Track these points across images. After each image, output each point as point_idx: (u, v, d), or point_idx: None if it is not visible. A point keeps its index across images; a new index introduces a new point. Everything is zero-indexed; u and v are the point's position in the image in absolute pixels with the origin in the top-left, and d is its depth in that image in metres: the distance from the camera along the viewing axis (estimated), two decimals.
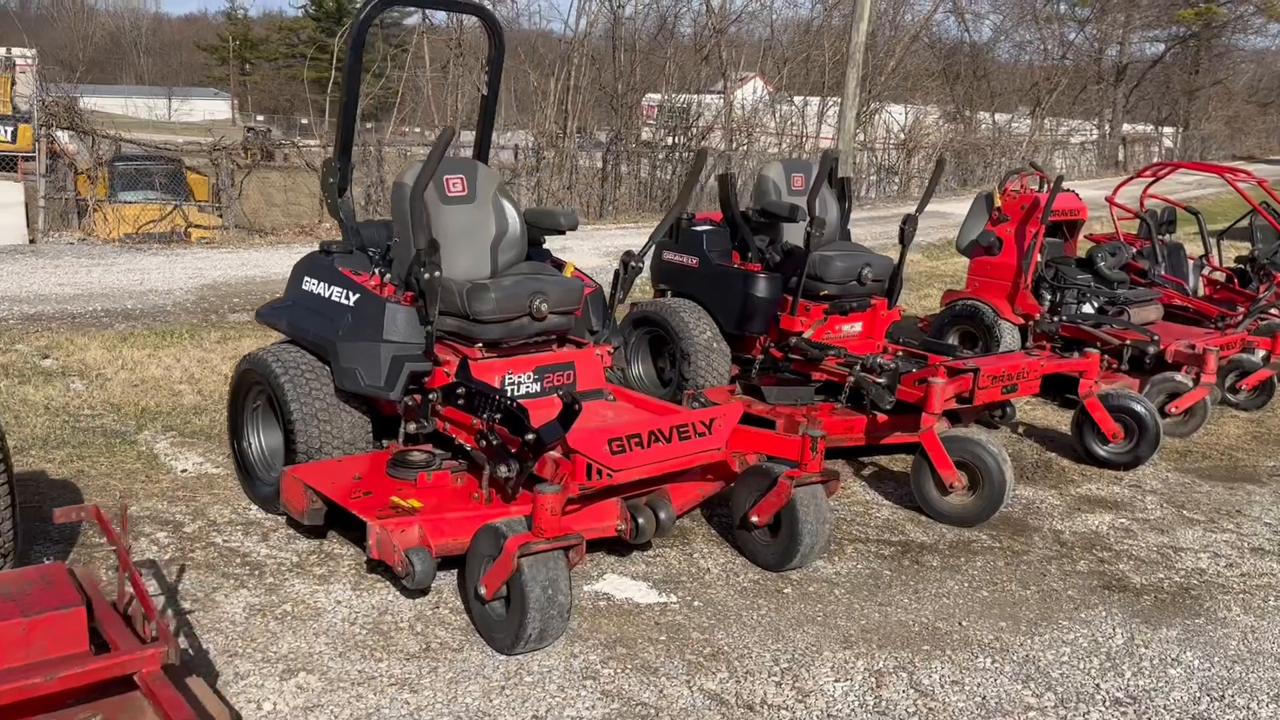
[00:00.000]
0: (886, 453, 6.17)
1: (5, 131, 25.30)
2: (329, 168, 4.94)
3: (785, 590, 4.42)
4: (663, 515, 4.39)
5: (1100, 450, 6.24)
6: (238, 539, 4.54)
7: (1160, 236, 9.75)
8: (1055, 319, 7.62)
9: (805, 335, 6.29)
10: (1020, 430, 6.94)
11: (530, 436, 3.97)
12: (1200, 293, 9.68)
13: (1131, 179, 10.25)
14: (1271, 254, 9.41)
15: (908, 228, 6.61)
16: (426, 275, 4.29)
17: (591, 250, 14.63)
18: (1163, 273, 9.12)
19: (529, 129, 25.17)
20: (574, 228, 5.23)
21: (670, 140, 26.29)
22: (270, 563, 4.34)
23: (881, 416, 5.73)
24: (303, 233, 16.94)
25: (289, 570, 4.28)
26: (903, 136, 34.28)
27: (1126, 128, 49.32)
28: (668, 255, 6.73)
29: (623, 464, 4.06)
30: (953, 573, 4.70)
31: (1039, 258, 7.95)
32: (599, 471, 4.01)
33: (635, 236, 15.93)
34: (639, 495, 4.46)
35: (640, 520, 4.34)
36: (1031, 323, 7.78)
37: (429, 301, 4.38)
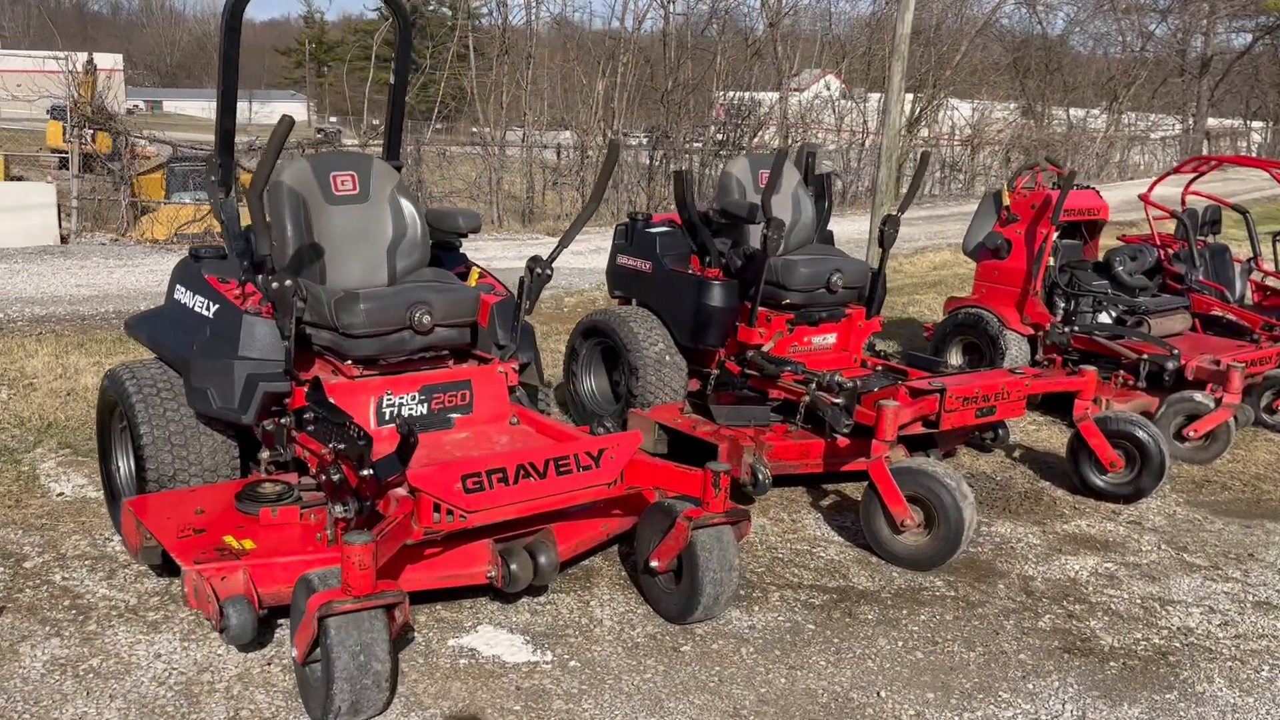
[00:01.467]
0: (855, 480, 5.54)
1: (86, 135, 25.63)
2: (210, 164, 4.48)
3: (683, 648, 3.84)
4: (543, 560, 3.84)
5: (1097, 480, 5.54)
6: (79, 576, 4.10)
7: (1202, 238, 8.94)
8: (1067, 329, 6.90)
9: (765, 348, 5.69)
10: (1016, 454, 6.25)
11: (366, 472, 3.45)
12: (1248, 300, 8.85)
13: (1167, 175, 9.42)
14: None
15: (888, 229, 5.97)
16: (275, 284, 3.79)
17: None
18: (1200, 278, 8.32)
19: (573, 128, 24.76)
20: (475, 229, 4.71)
21: (720, 137, 25.67)
22: (102, 606, 3.87)
23: (842, 440, 5.11)
24: None
25: (119, 615, 3.81)
26: (968, 131, 33.24)
27: (1212, 122, 47.43)
28: (621, 259, 6.17)
29: (480, 504, 3.52)
30: (889, 628, 4.08)
31: (1052, 262, 7.24)
32: (449, 512, 3.48)
33: None
34: (518, 536, 3.92)
35: (514, 566, 3.79)
36: (1041, 333, 7.07)
37: (280, 314, 3.88)
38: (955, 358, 7.49)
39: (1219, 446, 6.15)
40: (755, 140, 26.14)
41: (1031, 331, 7.12)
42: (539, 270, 4.42)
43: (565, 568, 4.30)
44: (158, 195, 19.16)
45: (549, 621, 3.96)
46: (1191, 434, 6.10)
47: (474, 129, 25.31)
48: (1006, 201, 7.34)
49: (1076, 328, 6.92)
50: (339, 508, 3.55)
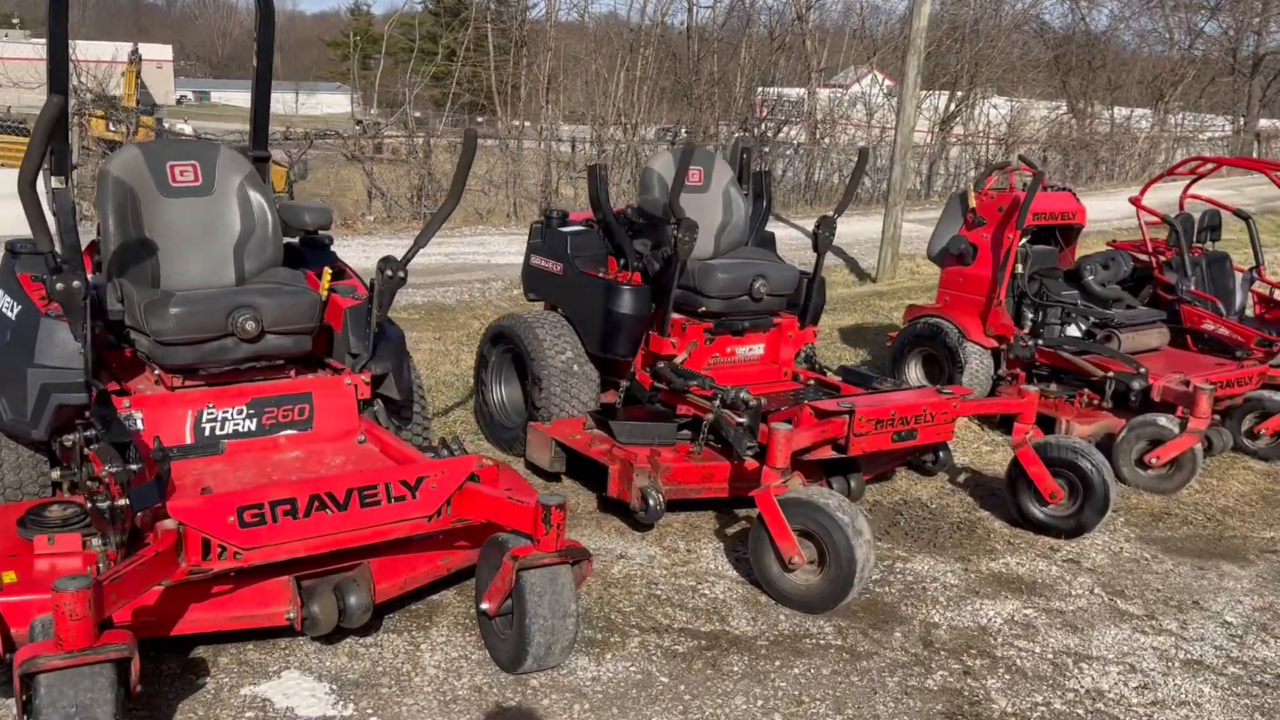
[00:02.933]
0: None
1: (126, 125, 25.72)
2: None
3: (510, 702, 3.41)
4: (352, 601, 3.43)
5: (1037, 512, 5.04)
6: None
7: (1199, 245, 8.35)
8: (1031, 342, 6.38)
9: (678, 360, 5.24)
10: (960, 479, 5.74)
11: (121, 502, 3.05)
12: (1249, 312, 8.25)
13: (1162, 177, 8.82)
14: None
15: (823, 232, 5.51)
16: (60, 284, 3.41)
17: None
18: (1192, 288, 7.74)
19: (589, 122, 24.35)
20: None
21: (741, 132, 25.14)
22: None
23: (750, 463, 4.64)
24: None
25: None
26: (1004, 129, 32.43)
27: (1264, 123, 46.07)
28: (534, 259, 5.74)
29: (258, 540, 3.11)
30: (753, 683, 3.62)
31: (1020, 269, 6.71)
32: (221, 550, 3.07)
33: None
34: (332, 571, 3.51)
35: (315, 608, 3.38)
36: (1005, 346, 6.55)
37: (71, 317, 3.50)
38: (914, 370, 7.00)
39: (1184, 476, 5.61)
40: (780, 136, 25.61)
41: (995, 344, 6.61)
42: (390, 272, 4.01)
43: (405, 602, 3.90)
44: None
45: (366, 667, 3.54)
46: (1154, 461, 5.57)
47: (480, 119, 24.98)
48: (972, 204, 6.81)
49: (1041, 341, 6.40)
50: (95, 540, 3.16)
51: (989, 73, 31.65)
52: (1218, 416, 6.40)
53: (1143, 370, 5.89)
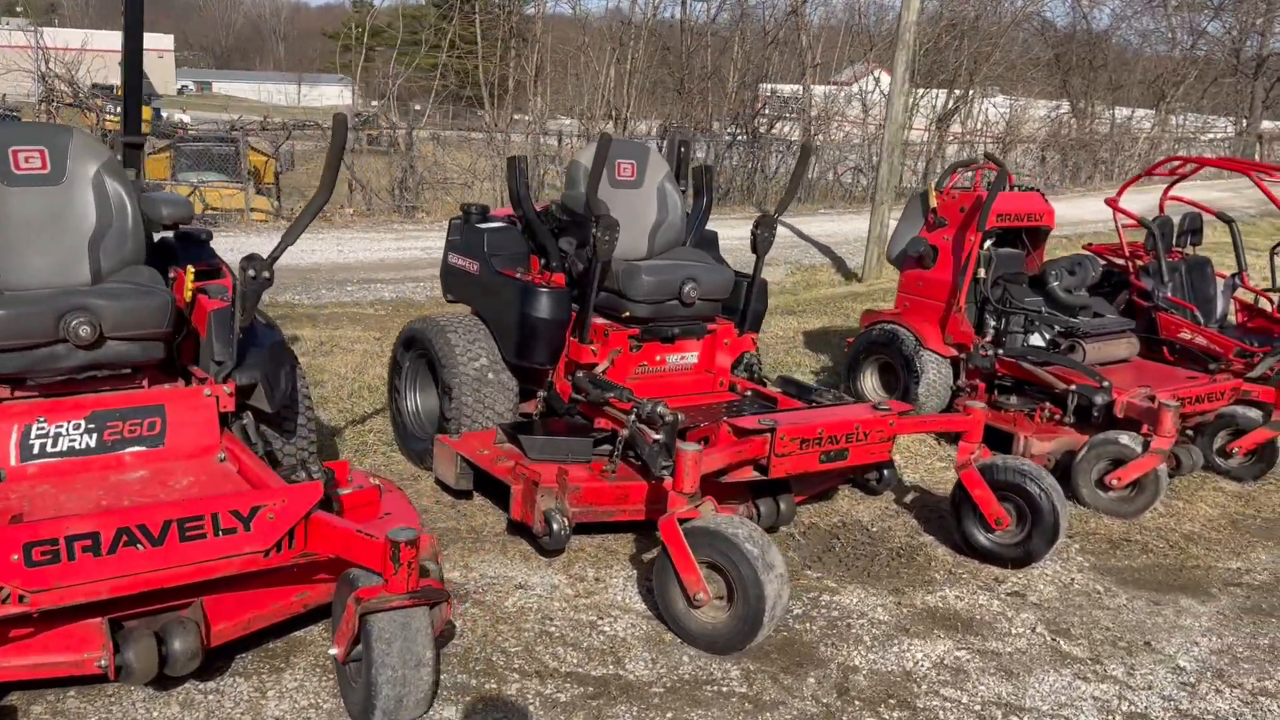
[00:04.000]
0: None
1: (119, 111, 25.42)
2: None
3: None
4: (177, 646, 3.03)
5: (982, 539, 4.65)
6: None
7: (1179, 249, 7.95)
8: (990, 352, 5.98)
9: (599, 368, 4.84)
10: (908, 499, 5.35)
11: None
12: (1231, 320, 7.85)
13: (1138, 178, 8.41)
14: None
15: (761, 232, 5.11)
16: None
17: None
18: (1169, 295, 7.34)
19: (574, 115, 23.97)
20: (183, 220, 3.92)
21: (730, 129, 24.68)
22: None
23: (668, 483, 4.24)
24: (320, 218, 16.14)
25: None
26: (1002, 127, 31.99)
27: (1267, 124, 45.57)
28: (452, 258, 5.35)
29: (50, 580, 2.72)
30: None
31: (983, 274, 6.31)
32: (3, 594, 2.68)
33: None
34: (156, 611, 3.11)
35: (129, 655, 2.99)
36: (964, 355, 6.16)
37: None
38: (870, 380, 6.60)
39: (1146, 498, 5.22)
40: (773, 131, 25.20)
41: (955, 352, 6.21)
42: (253, 272, 3.60)
43: (263, 639, 3.51)
44: (163, 175, 18.86)
45: (200, 717, 3.15)
46: (1114, 482, 5.17)
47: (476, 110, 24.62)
48: (933, 203, 6.41)
49: (1001, 350, 6.00)
50: None
51: (988, 70, 31.22)
52: (1190, 433, 6.02)
53: (1106, 384, 5.49)
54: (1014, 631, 4.06)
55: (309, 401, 4.32)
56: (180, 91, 64.30)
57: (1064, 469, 5.47)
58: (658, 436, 4.26)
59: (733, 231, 15.88)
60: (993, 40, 31.01)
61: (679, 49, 25.61)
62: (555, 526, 4.16)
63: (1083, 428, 5.65)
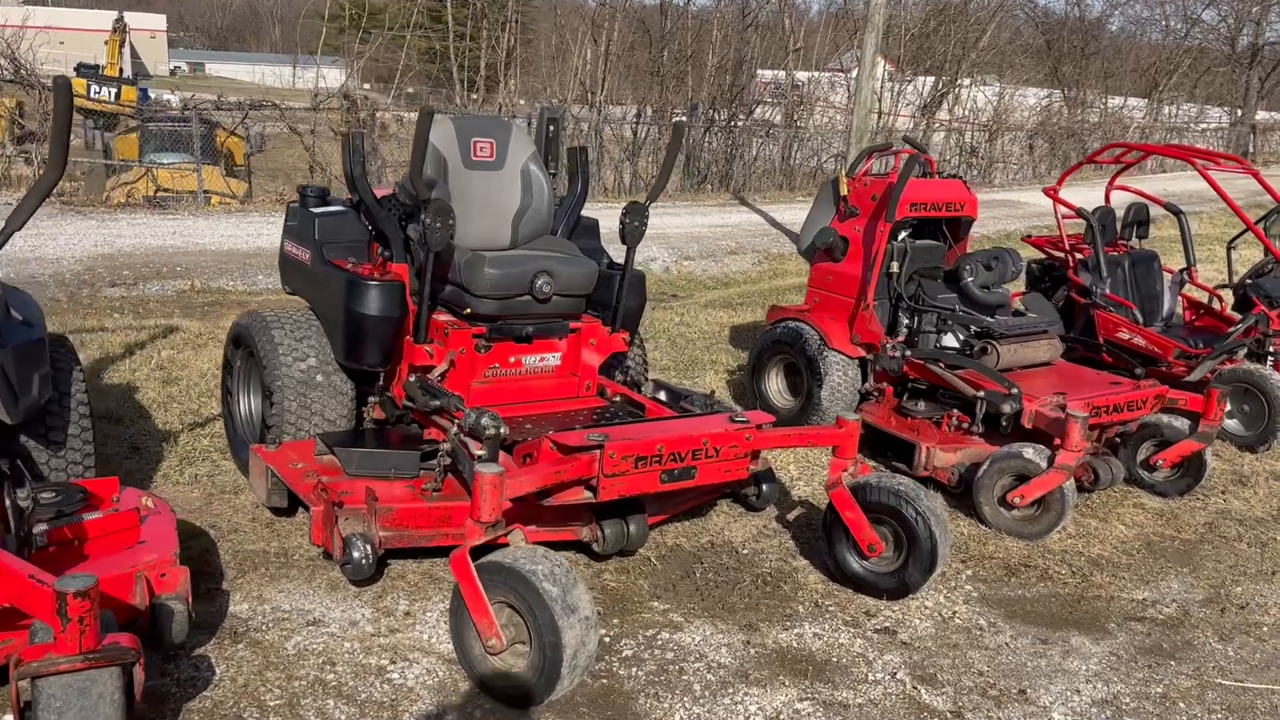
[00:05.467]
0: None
1: (109, 92, 24.95)
2: None
3: None
4: None
5: (855, 566, 4.16)
6: None
7: (1124, 242, 7.47)
8: (898, 354, 5.49)
9: (436, 371, 4.34)
10: (791, 516, 4.87)
11: None
12: (1178, 318, 7.37)
13: (1080, 165, 7.92)
14: (1253, 274, 7.03)
15: (631, 221, 4.62)
16: None
17: None
18: (1108, 292, 6.86)
19: (546, 99, 23.40)
20: None
21: (713, 114, 24.09)
22: None
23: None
24: (282, 200, 15.63)
25: None
26: (988, 115, 31.42)
27: (1262, 115, 44.99)
28: (287, 245, 4.85)
29: None
30: None
31: (896, 268, 5.82)
32: None
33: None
34: None
35: None
36: (872, 356, 5.67)
37: None
38: (775, 382, 6.12)
39: (1052, 518, 4.73)
40: (754, 116, 24.66)
41: (863, 353, 5.72)
42: None
43: None
44: (133, 155, 18.43)
45: None
46: (1017, 501, 4.69)
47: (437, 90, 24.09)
48: (844, 191, 5.91)
49: (909, 352, 5.51)
50: None
51: (977, 56, 30.68)
52: (1118, 441, 5.53)
53: (1014, 390, 5.01)
54: (871, 678, 3.58)
55: (86, 409, 3.82)
56: (173, 72, 63.66)
57: (969, 484, 4.99)
58: (480, 452, 3.78)
59: (705, 219, 15.51)
60: (981, 26, 30.47)
61: (658, 30, 25.06)
62: (356, 554, 3.68)
63: (994, 438, 5.17)
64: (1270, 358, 6.23)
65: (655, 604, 3.97)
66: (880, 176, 5.92)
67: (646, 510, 4.22)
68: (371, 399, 4.50)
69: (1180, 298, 7.39)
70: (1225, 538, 4.95)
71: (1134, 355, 6.76)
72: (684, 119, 20.85)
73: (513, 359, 4.59)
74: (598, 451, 3.60)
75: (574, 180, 5.15)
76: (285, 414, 4.39)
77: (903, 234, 5.89)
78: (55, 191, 14.56)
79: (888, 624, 3.95)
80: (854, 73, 28.32)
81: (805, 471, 5.39)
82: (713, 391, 4.92)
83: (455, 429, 3.90)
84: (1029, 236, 7.58)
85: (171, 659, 3.30)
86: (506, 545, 3.41)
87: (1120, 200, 7.35)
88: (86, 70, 27.10)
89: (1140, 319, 6.92)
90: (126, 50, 33.61)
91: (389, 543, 3.84)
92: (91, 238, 10.86)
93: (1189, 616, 4.19)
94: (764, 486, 4.68)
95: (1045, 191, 7.27)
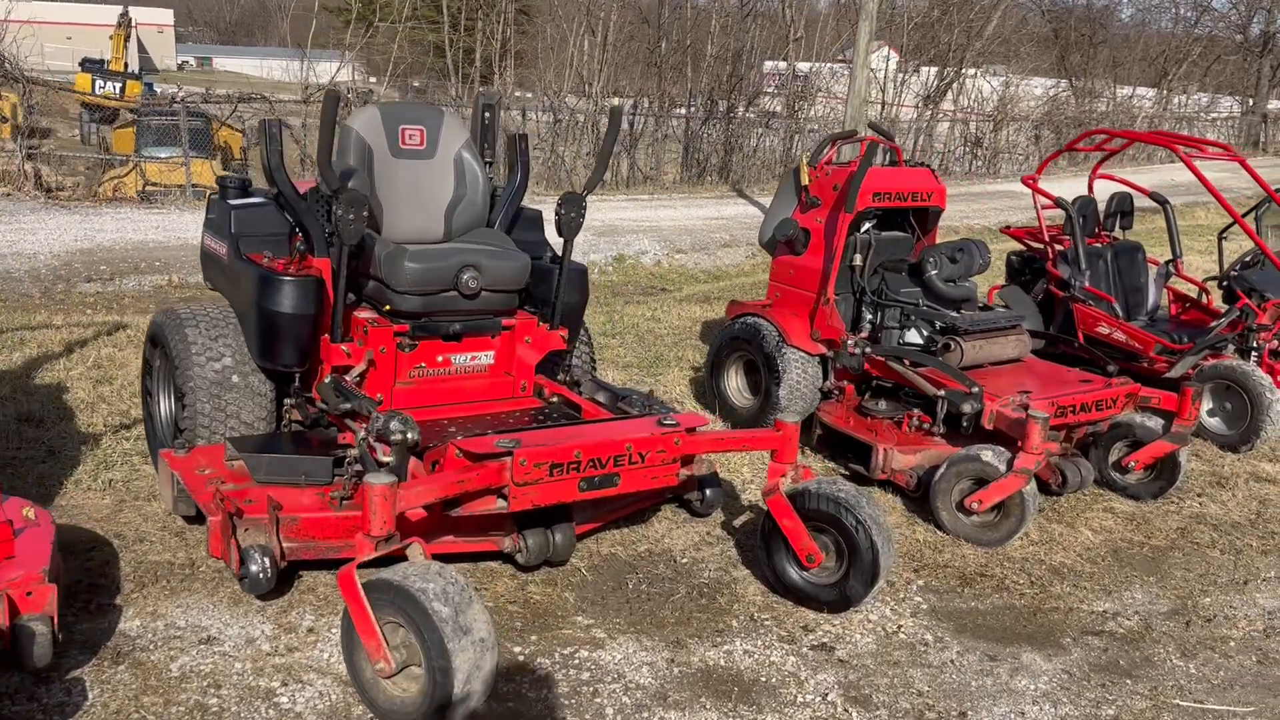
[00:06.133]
0: (470, 560, 3.98)
1: (114, 87, 24.88)
2: None
3: None
4: None
5: (795, 577, 3.93)
6: None
7: (1108, 233, 7.22)
8: (858, 351, 5.24)
9: (354, 372, 4.11)
10: (737, 523, 4.63)
11: None
12: (1164, 312, 7.12)
13: (1058, 155, 7.66)
14: (1239, 266, 6.76)
15: (567, 212, 4.38)
16: None
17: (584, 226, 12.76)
18: (1086, 284, 6.61)
19: (541, 90, 23.17)
20: None
21: (709, 105, 23.83)
22: None
23: (415, 514, 3.53)
24: None
25: None
26: (992, 105, 31.08)
27: (1274, 104, 44.48)
28: (206, 239, 4.62)
29: None
30: None
31: (859, 260, 5.57)
32: None
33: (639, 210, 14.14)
34: None
35: None
36: (833, 353, 5.43)
37: None
38: (735, 379, 5.88)
39: (1011, 525, 4.49)
40: (753, 107, 24.40)
41: (824, 350, 5.48)
42: None
43: None
44: (129, 149, 18.33)
45: None
46: (974, 506, 4.45)
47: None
48: (805, 180, 5.66)
49: (870, 348, 5.26)
50: None
51: (982, 45, 30.34)
52: (1090, 441, 5.27)
53: (976, 389, 4.76)
54: (800, 699, 3.35)
55: None
56: (180, 67, 63.64)
57: (929, 487, 4.75)
58: (386, 459, 3.55)
59: (700, 211, 15.23)
60: (985, 14, 30.13)
61: (655, 20, 24.82)
62: (254, 567, 3.46)
63: (955, 439, 4.93)
64: (1254, 353, 5.96)
65: (579, 619, 3.74)
66: (843, 165, 5.67)
67: (575, 518, 3.99)
68: (287, 401, 4.27)
69: (1166, 290, 7.13)
70: (1197, 544, 4.69)
71: (1114, 351, 6.51)
72: (621, 104, 20.43)
73: (441, 358, 4.36)
74: (508, 459, 3.37)
75: (514, 170, 4.91)
76: (199, 416, 4.17)
77: (866, 225, 5.64)
78: (43, 186, 14.39)
79: (826, 639, 3.71)
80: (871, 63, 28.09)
81: (759, 474, 5.14)
82: (650, 391, 4.69)
83: (363, 433, 3.67)
84: (1008, 227, 7.33)
85: (43, 682, 3.09)
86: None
87: (1108, 190, 7.10)
88: (91, 65, 27.02)
89: (1121, 313, 6.67)
90: (134, 45, 33.59)
91: (294, 554, 3.62)
92: (73, 232, 10.70)
93: (1151, 630, 3.94)
94: (708, 491, 4.46)
95: (1024, 180, 7.01)
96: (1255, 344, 5.95)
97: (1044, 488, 5.00)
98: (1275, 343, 6.19)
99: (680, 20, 25.47)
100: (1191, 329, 6.60)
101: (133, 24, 30.20)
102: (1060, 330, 6.79)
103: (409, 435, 3.55)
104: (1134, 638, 3.88)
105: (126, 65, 28.34)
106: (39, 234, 10.47)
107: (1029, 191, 6.94)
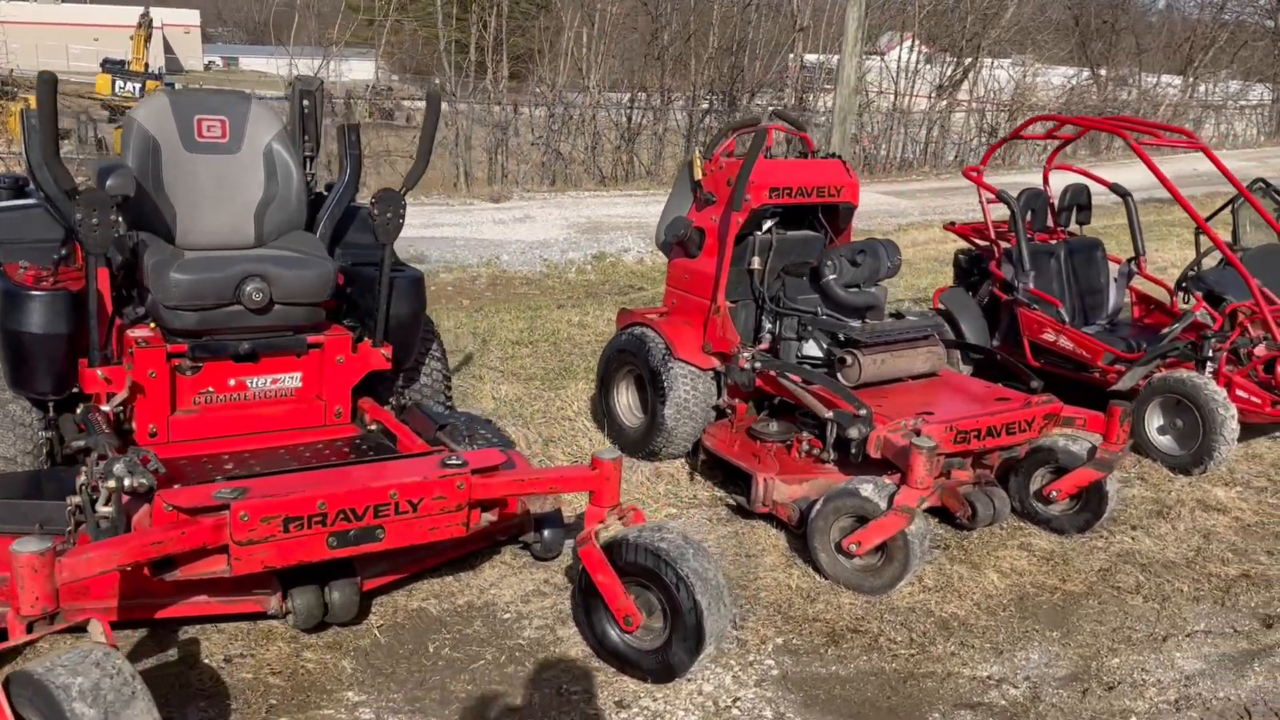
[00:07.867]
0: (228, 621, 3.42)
1: (133, 88, 24.65)
2: None
3: None
4: None
5: (615, 640, 3.34)
6: None
7: (1062, 228, 6.57)
8: (749, 366, 4.64)
9: (113, 401, 3.56)
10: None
11: None
12: (1125, 315, 6.47)
13: (1004, 141, 7.01)
14: (1195, 266, 6.09)
15: (383, 212, 3.83)
16: None
17: (559, 221, 12.25)
18: (1030, 286, 5.97)
19: (535, 83, 22.63)
20: None
21: (709, 100, 23.15)
22: None
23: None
24: None
25: None
26: (1009, 94, 30.22)
27: None
28: None
29: None
30: None
31: (758, 264, 4.97)
32: None
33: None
34: None
35: None
36: (724, 368, 4.83)
37: None
38: (625, 396, 5.29)
39: (895, 570, 3.87)
40: (752, 102, 23.74)
41: (716, 363, 4.88)
42: None
43: None
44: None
45: None
46: (853, 548, 3.84)
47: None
48: (699, 175, 5.06)
49: (760, 363, 4.65)
50: None
51: (998, 34, 29.48)
52: (1013, 465, 4.65)
53: (864, 412, 4.14)
54: None
55: None
56: (207, 67, 63.72)
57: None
58: (106, 510, 2.99)
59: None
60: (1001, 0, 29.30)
61: (653, 9, 24.21)
62: None
63: (849, 468, 4.32)
64: (1209, 363, 5.30)
65: (349, 694, 3.17)
66: (739, 158, 5.06)
67: (362, 572, 3.43)
68: (43, 434, 3.73)
69: (1129, 292, 6.47)
70: (1118, 589, 4.05)
71: (1064, 360, 5.88)
72: (439, 87, 19.71)
73: (233, 382, 3.81)
74: (225, 513, 2.81)
75: (343, 165, 4.35)
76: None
77: (768, 224, 5.03)
78: None
79: (642, 716, 3.12)
80: (891, 54, 27.37)
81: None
82: (488, 419, 4.11)
83: (83, 479, 3.12)
84: (952, 224, 6.68)
85: None
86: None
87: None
88: (112, 65, 26.78)
89: (1074, 316, 6.03)
90: (158, 46, 33.38)
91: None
92: None
93: (1039, 702, 3.32)
94: (545, 533, 3.88)
95: (964, 172, 6.37)
96: (1210, 353, 5.28)
97: (953, 521, 4.39)
98: (1245, 352, 5.52)
99: (681, 10, 24.84)
100: (1153, 335, 5.95)
101: (153, 25, 29.94)
102: (1005, 337, 6.16)
103: (129, 482, 2.98)
104: (1016, 712, 3.27)
105: (147, 66, 28.07)
106: None
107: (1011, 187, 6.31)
